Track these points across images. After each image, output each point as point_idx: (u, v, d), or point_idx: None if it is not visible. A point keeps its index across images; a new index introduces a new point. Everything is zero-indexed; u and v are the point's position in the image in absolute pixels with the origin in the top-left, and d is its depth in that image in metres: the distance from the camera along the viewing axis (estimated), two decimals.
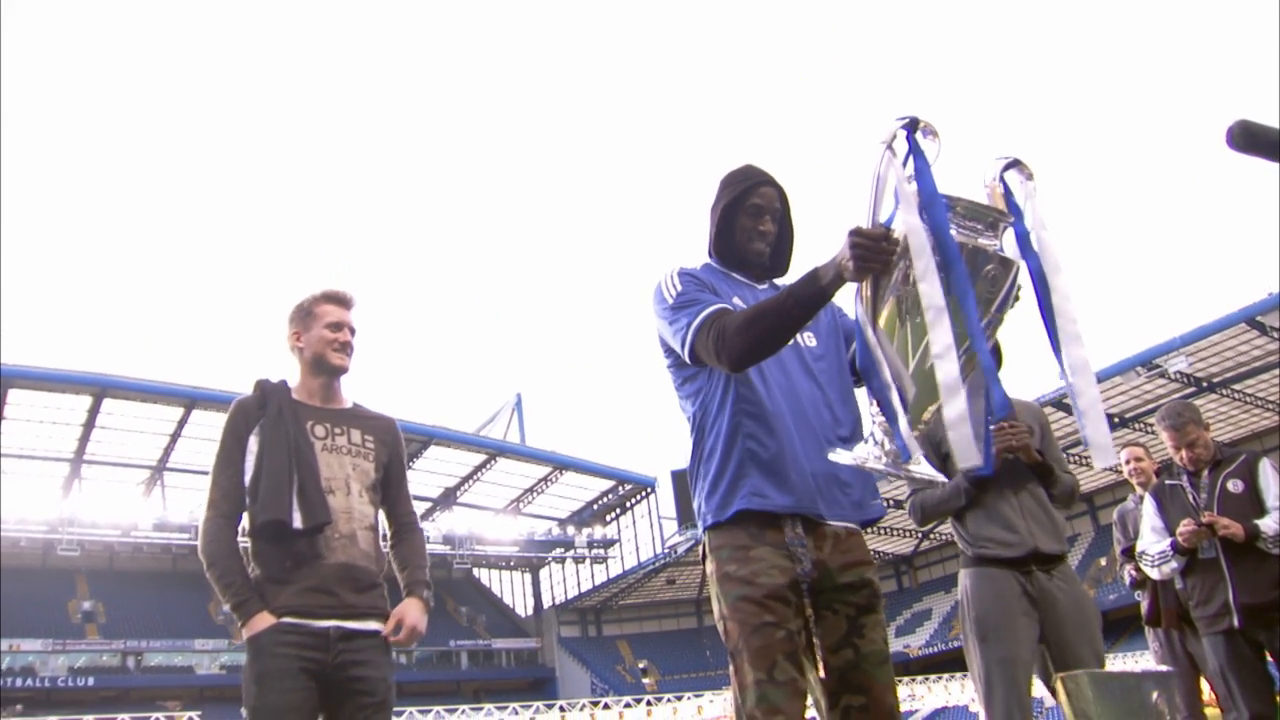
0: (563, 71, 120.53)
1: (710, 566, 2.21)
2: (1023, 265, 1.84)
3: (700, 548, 2.29)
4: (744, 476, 2.17)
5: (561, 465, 40.94)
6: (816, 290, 1.94)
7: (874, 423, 1.94)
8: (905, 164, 1.80)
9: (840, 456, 2.00)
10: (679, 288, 2.27)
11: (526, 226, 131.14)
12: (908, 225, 1.75)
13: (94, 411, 32.43)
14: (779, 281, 2.49)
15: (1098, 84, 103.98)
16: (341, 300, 2.88)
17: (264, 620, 2.55)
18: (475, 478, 41.70)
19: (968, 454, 1.71)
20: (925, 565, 47.36)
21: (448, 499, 43.18)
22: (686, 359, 2.22)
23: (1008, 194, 1.86)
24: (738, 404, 2.22)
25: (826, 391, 2.29)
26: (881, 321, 1.85)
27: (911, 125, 1.80)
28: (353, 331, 2.88)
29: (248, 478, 2.64)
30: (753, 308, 2.12)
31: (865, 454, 1.94)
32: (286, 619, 2.56)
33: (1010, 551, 3.56)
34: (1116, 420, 30.82)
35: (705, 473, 2.25)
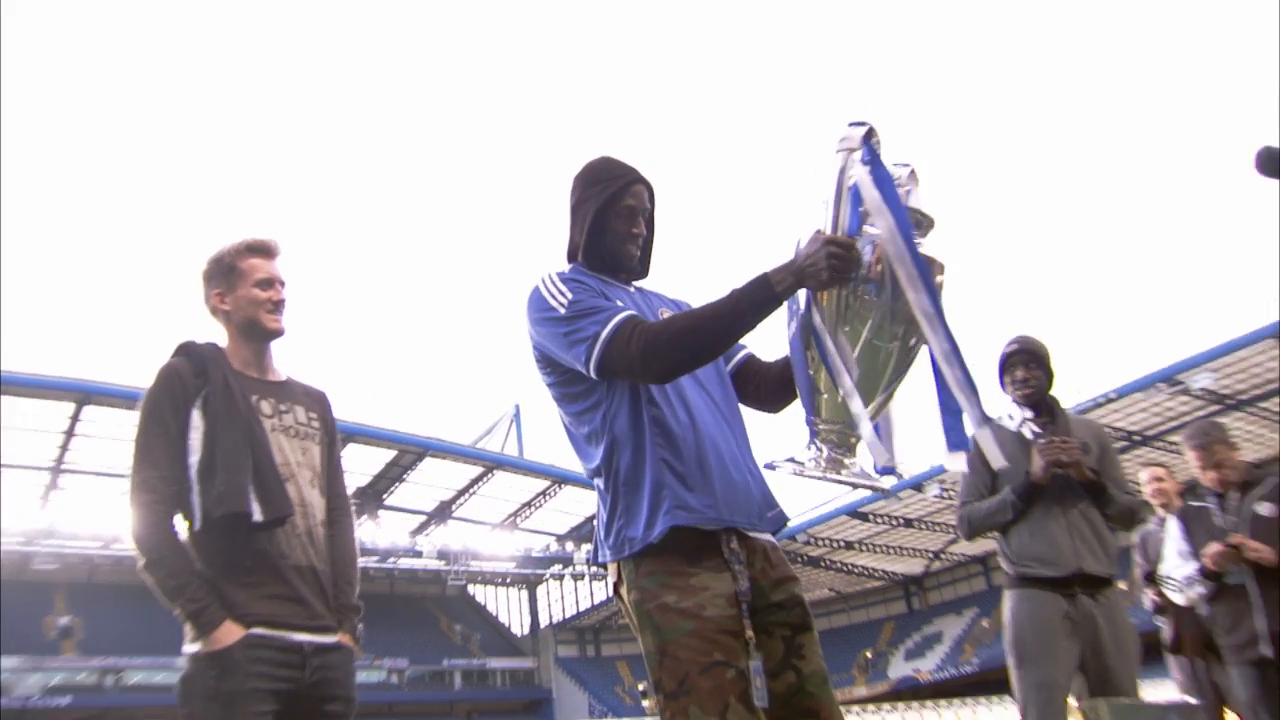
0: (566, 81, 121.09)
1: (636, 596, 2.07)
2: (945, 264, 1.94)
3: (615, 574, 2.16)
4: (668, 493, 2.06)
5: (561, 479, 40.73)
6: (770, 297, 1.94)
7: (813, 431, 2.01)
8: (867, 170, 1.87)
9: (782, 466, 2.02)
10: (569, 294, 2.15)
11: (524, 231, 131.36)
12: (885, 234, 1.82)
13: (75, 419, 32.07)
14: (640, 284, 2.42)
15: (1121, 95, 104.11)
16: (268, 251, 2.59)
17: (231, 632, 2.26)
18: (471, 491, 41.54)
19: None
20: (936, 586, 47.14)
21: (443, 513, 43.05)
22: (591, 372, 2.09)
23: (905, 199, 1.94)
24: (646, 415, 2.12)
25: (718, 401, 2.24)
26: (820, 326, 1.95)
27: (869, 132, 1.89)
28: (284, 285, 2.59)
29: (193, 459, 2.34)
30: (691, 314, 2.07)
31: (804, 461, 2.00)
32: (256, 630, 2.30)
33: (1053, 571, 3.57)
34: (1137, 438, 30.72)
35: (620, 494, 2.13)
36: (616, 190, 2.30)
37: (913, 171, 1.98)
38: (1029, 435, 3.71)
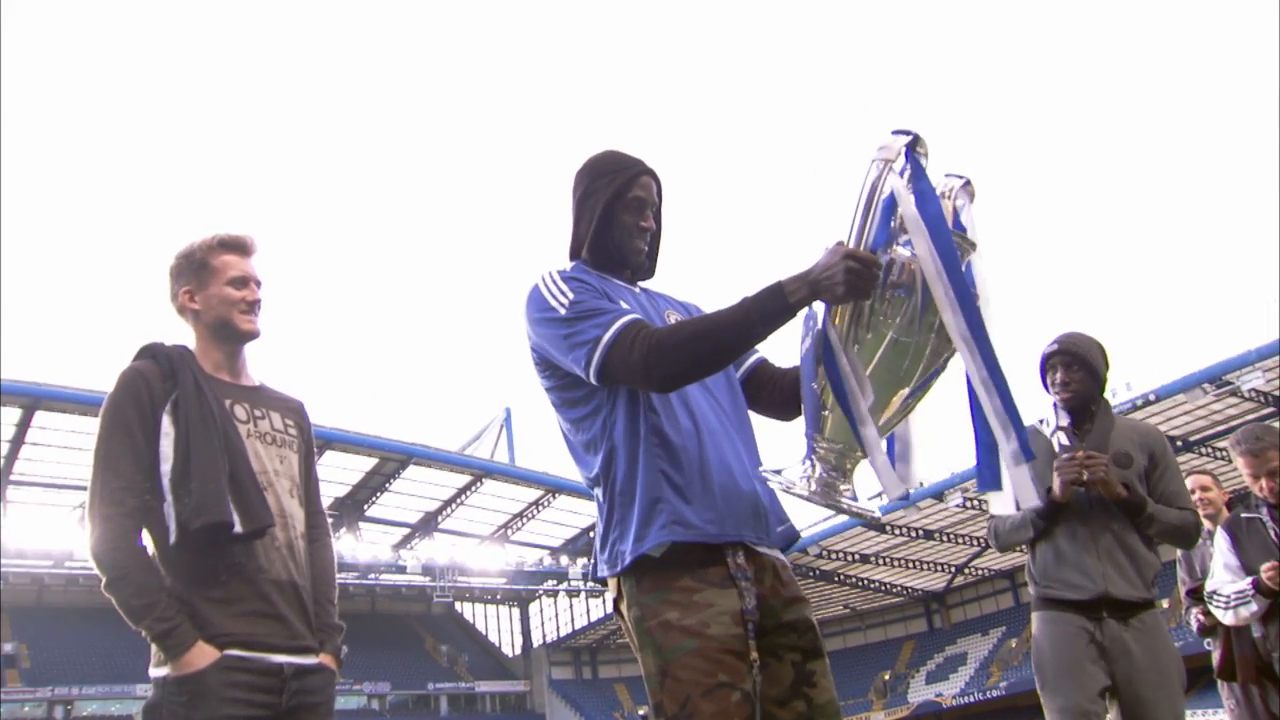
0: (559, 81, 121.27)
1: (637, 612, 2.11)
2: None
3: (614, 590, 2.20)
4: (664, 506, 2.10)
5: (555, 488, 40.79)
6: (783, 307, 1.96)
7: (811, 447, 2.04)
8: (904, 183, 1.88)
9: (771, 480, 2.08)
10: (571, 295, 2.19)
11: (516, 227, 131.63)
12: (923, 253, 1.83)
13: (24, 425, 31.79)
14: (647, 285, 2.48)
15: (1167, 88, 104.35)
16: (243, 247, 2.59)
17: (205, 654, 2.24)
18: (459, 501, 41.62)
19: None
20: (959, 604, 47.17)
21: (428, 524, 43.10)
22: (591, 377, 2.13)
23: (955, 215, 1.96)
24: (645, 424, 2.16)
25: (726, 409, 2.29)
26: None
27: (913, 142, 1.89)
28: (259, 285, 2.59)
29: (165, 467, 2.32)
30: (699, 320, 2.12)
31: (793, 478, 2.04)
32: (232, 651, 2.28)
33: (1076, 594, 3.57)
34: (1180, 444, 30.67)
35: (616, 506, 2.17)
36: (625, 182, 2.34)
37: (966, 183, 1.99)
38: (1057, 447, 3.69)
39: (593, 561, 2.28)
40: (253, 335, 2.59)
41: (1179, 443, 30.70)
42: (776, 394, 2.38)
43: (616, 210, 2.35)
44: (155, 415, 2.37)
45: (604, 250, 2.37)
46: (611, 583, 2.20)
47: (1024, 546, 3.79)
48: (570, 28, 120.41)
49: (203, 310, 2.54)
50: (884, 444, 1.99)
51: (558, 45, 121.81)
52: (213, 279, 2.54)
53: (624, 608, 2.16)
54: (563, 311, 2.17)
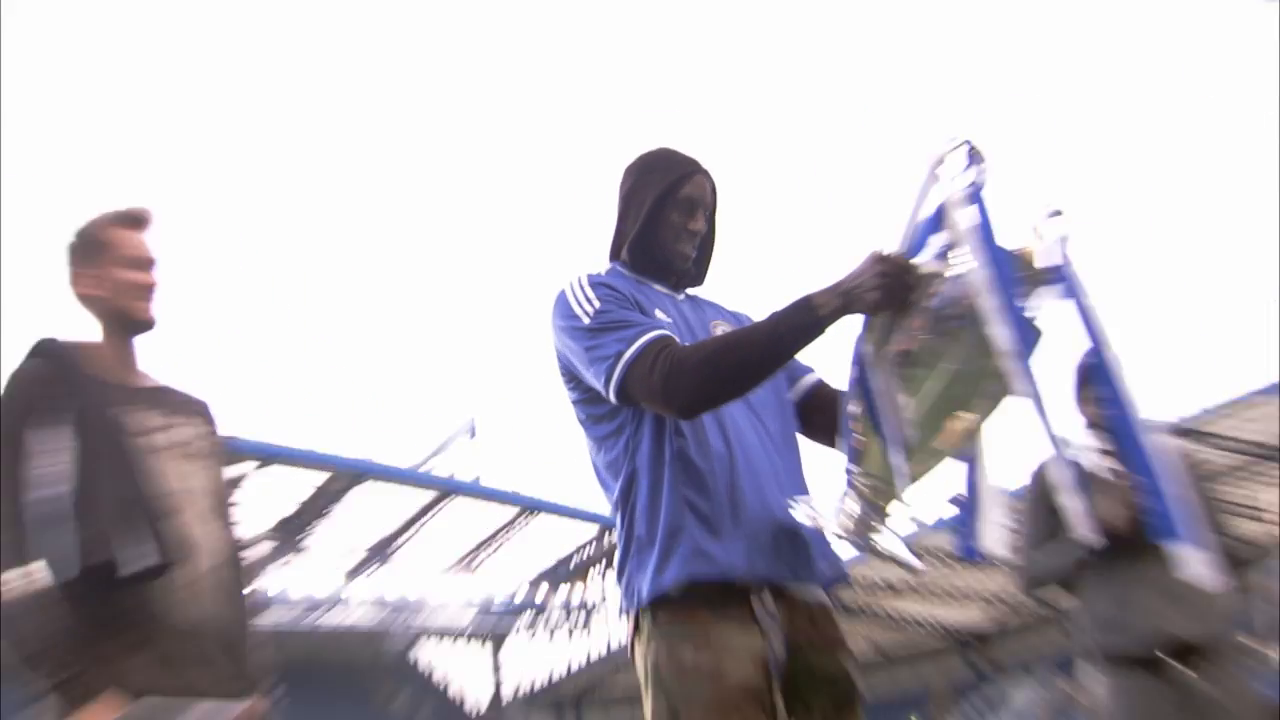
0: (541, 82, 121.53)
1: (653, 650, 2.17)
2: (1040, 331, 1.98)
3: (632, 625, 2.26)
4: (685, 538, 2.15)
5: (531, 508, 40.74)
6: (813, 321, 2.04)
7: (849, 481, 2.11)
8: (962, 194, 1.95)
9: (799, 514, 2.16)
10: (597, 304, 2.27)
11: (488, 223, 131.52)
12: (969, 262, 1.91)
13: None
14: (694, 292, 2.55)
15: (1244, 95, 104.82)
16: (139, 221, 2.58)
17: (115, 704, 2.17)
18: (419, 524, 41.56)
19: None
20: (1003, 640, 47.14)
21: (383, 551, 43.02)
22: (611, 395, 2.20)
23: (1050, 250, 2.01)
24: (670, 447, 2.22)
25: (772, 432, 2.34)
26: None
27: (971, 153, 1.96)
28: (156, 266, 2.56)
29: (55, 490, 2.25)
30: (723, 337, 2.22)
31: (825, 513, 2.13)
32: (149, 700, 2.23)
33: (1134, 641, 3.59)
34: (1261, 455, 30.71)
35: (634, 535, 2.24)
36: (676, 179, 2.43)
37: (1057, 213, 2.02)
38: (1106, 473, 3.65)
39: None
40: (148, 325, 2.57)
41: (1260, 451, 30.76)
42: (833, 418, 2.38)
43: (665, 209, 2.42)
44: (47, 428, 2.31)
45: (647, 252, 2.46)
46: (628, 616, 2.27)
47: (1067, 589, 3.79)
48: (563, 25, 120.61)
49: (98, 296, 2.53)
50: (963, 475, 2.07)
51: (551, 45, 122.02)
52: (106, 259, 2.53)
53: (638, 643, 2.23)
54: (587, 321, 2.25)
